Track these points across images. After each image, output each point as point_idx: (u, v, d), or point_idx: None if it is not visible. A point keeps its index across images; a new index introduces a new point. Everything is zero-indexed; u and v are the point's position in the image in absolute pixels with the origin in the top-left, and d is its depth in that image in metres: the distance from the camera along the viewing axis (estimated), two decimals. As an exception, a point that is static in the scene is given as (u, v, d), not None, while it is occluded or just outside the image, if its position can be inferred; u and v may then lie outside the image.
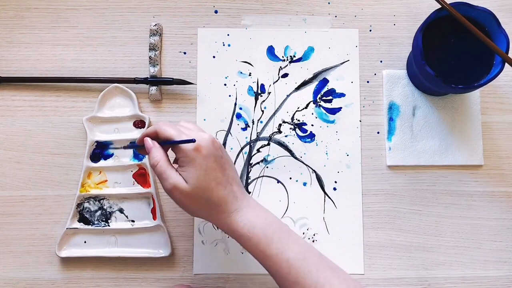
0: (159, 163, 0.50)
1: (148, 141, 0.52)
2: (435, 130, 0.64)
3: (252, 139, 0.64)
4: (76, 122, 0.64)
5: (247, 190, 0.63)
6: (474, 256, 0.63)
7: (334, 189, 0.63)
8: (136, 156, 0.63)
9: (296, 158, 0.64)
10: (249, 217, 0.51)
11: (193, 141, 0.49)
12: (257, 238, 0.50)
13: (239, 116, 0.64)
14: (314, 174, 0.64)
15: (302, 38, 0.66)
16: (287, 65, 0.65)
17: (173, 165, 0.51)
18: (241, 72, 0.65)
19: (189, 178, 0.49)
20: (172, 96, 0.65)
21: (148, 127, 0.63)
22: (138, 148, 0.55)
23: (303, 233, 0.62)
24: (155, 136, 0.52)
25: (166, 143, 0.51)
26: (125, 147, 0.60)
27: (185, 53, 0.65)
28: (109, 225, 0.62)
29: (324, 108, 0.65)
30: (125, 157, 0.63)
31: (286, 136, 0.64)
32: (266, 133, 0.64)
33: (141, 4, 0.66)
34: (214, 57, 0.65)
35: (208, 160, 0.50)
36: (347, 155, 0.64)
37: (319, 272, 0.49)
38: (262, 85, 0.65)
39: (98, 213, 0.62)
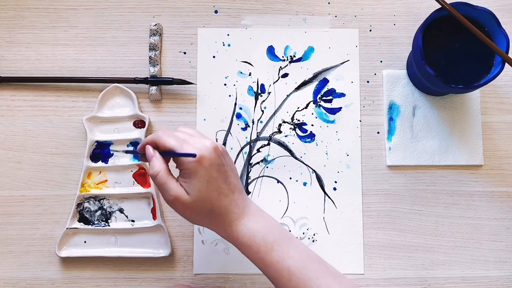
0: (159, 174, 0.49)
1: (150, 150, 0.51)
2: (435, 130, 0.64)
3: (252, 139, 0.64)
4: (76, 122, 0.64)
5: (247, 190, 0.63)
6: (474, 256, 0.63)
7: (334, 189, 0.63)
8: (136, 156, 0.63)
9: (296, 158, 0.64)
10: (250, 226, 0.51)
11: (194, 155, 0.48)
12: (257, 246, 0.50)
13: (239, 116, 0.64)
14: (314, 174, 0.64)
15: (302, 38, 0.66)
16: (287, 65, 0.65)
17: (173, 175, 0.51)
18: (241, 72, 0.65)
19: (191, 190, 0.49)
20: (172, 96, 0.65)
21: (147, 127, 0.63)
22: (140, 156, 0.54)
23: (303, 233, 0.63)
24: (156, 145, 0.51)
25: (167, 155, 0.51)
26: (126, 152, 0.59)
27: (185, 53, 0.65)
28: (109, 225, 0.62)
29: (324, 108, 0.65)
30: (125, 157, 0.63)
31: (286, 136, 0.64)
32: (266, 133, 0.64)
33: (141, 4, 0.66)
34: (214, 57, 0.65)
35: (211, 170, 0.49)
36: (347, 155, 0.64)
37: (320, 280, 0.49)
38: (262, 85, 0.65)
39: (98, 213, 0.62)
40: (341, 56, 0.65)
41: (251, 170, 0.64)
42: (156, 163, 0.50)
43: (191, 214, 0.50)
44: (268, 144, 0.64)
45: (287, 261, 0.49)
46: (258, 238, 0.50)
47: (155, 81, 0.63)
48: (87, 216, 0.62)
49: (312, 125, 0.64)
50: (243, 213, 0.51)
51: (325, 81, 0.65)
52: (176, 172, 0.51)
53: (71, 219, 0.61)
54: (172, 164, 0.51)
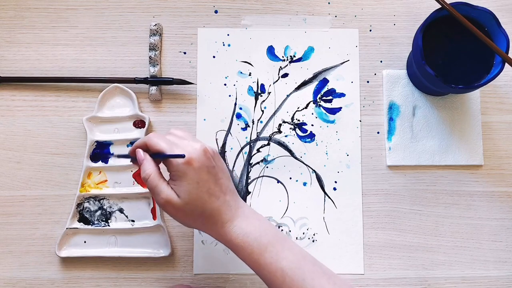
0: (150, 176, 0.50)
1: (140, 153, 0.51)
2: (435, 130, 0.64)
3: (252, 139, 0.64)
4: (76, 122, 0.64)
5: (247, 190, 0.63)
6: (474, 256, 0.63)
7: (334, 189, 0.63)
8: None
9: (296, 158, 0.64)
10: (243, 227, 0.50)
11: (182, 156, 0.48)
12: (251, 247, 0.50)
13: (239, 116, 0.64)
14: (314, 174, 0.64)
15: (302, 38, 0.66)
16: (287, 65, 0.65)
17: (164, 178, 0.51)
18: (241, 72, 0.65)
19: (181, 192, 0.49)
20: (172, 96, 0.65)
21: (147, 127, 0.63)
22: (130, 159, 0.54)
23: (303, 233, 0.63)
24: (147, 148, 0.51)
25: (157, 157, 0.51)
26: (118, 156, 0.59)
27: (185, 53, 0.65)
28: (109, 225, 0.62)
29: (324, 108, 0.65)
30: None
31: (286, 136, 0.64)
32: (266, 133, 0.64)
33: (141, 4, 0.66)
34: (214, 57, 0.65)
35: (200, 172, 0.49)
36: (347, 155, 0.64)
37: (314, 280, 0.49)
38: (262, 85, 0.65)
39: (98, 213, 0.62)
40: (341, 56, 0.65)
41: (251, 170, 0.64)
42: (147, 165, 0.50)
43: (182, 217, 0.50)
44: (268, 144, 0.64)
45: (281, 262, 0.49)
46: (252, 240, 0.50)
47: (155, 81, 0.63)
48: (87, 216, 0.62)
49: (312, 125, 0.64)
50: (236, 215, 0.51)
51: (325, 81, 0.65)
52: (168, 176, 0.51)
53: (71, 219, 0.61)
54: (165, 168, 0.51)
